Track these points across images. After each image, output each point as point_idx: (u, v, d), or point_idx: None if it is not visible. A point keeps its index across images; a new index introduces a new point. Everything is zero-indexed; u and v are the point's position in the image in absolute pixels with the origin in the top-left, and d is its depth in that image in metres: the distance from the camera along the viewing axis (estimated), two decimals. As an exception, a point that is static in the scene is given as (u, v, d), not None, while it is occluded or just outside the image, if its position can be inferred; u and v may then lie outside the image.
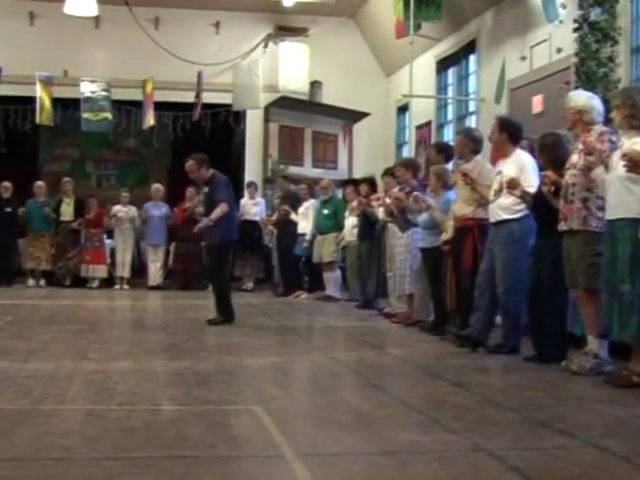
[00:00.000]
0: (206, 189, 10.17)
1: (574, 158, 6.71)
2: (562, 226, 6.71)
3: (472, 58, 15.32)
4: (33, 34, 18.09)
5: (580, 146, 6.65)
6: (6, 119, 17.73)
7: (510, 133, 7.96)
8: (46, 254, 16.31)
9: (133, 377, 6.08)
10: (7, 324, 9.71)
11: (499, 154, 8.28)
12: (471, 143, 8.62)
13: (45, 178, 18.68)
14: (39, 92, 17.22)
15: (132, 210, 16.70)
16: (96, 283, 16.38)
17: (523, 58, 12.81)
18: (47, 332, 8.89)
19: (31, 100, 17.28)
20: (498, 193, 7.70)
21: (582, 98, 6.91)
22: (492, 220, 7.87)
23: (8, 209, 16.20)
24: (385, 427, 4.71)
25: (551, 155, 7.21)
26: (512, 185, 7.30)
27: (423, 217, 9.56)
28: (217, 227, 9.83)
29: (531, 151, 8.24)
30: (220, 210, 9.80)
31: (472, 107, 15.37)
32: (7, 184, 16.47)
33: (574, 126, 6.89)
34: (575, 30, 10.86)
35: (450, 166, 10.26)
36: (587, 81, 10.49)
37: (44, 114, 17.39)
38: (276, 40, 18.69)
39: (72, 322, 10.10)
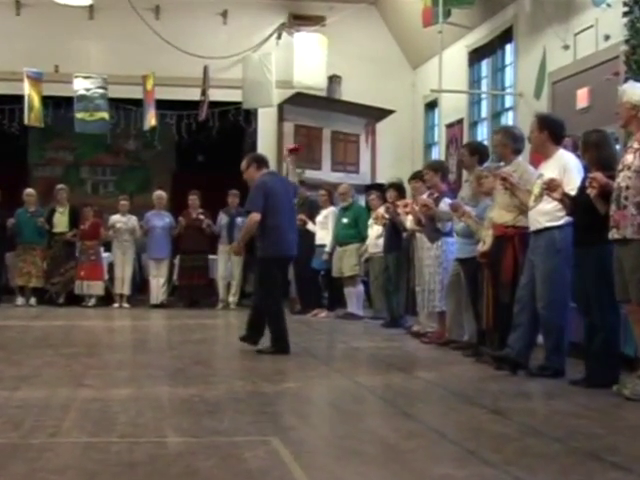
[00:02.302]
0: None
1: (628, 159, 6.68)
2: (613, 234, 6.68)
3: (508, 48, 15.28)
4: (20, 25, 18.13)
5: (636, 145, 6.63)
6: (-9, 119, 17.83)
7: (551, 132, 7.95)
8: (37, 269, 16.33)
9: (135, 406, 6.10)
10: (-6, 347, 9.76)
11: (539, 155, 8.27)
12: (512, 142, 8.59)
13: (35, 185, 18.81)
14: (27, 90, 17.26)
15: (132, 220, 16.72)
16: (92, 301, 16.41)
17: (566, 47, 12.77)
18: (39, 356, 8.92)
19: (19, 99, 17.32)
20: (539, 198, 7.68)
21: (638, 92, 6.87)
22: (532, 228, 7.86)
23: (-6, 219, 16.25)
24: (416, 460, 4.70)
25: (595, 154, 7.20)
26: (552, 187, 7.27)
27: (461, 224, 9.54)
28: (263, 239, 9.54)
29: (575, 150, 8.23)
30: (247, 225, 9.67)
31: (509, 103, 15.33)
32: (-7, 192, 16.55)
33: (628, 123, 6.87)
34: (625, 14, 10.80)
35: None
36: (639, 71, 10.45)
37: (33, 114, 17.44)
38: (290, 30, 18.71)
39: (66, 345, 10.13)
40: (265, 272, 9.62)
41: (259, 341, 9.68)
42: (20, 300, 16.38)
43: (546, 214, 7.65)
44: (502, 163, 8.99)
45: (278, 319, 9.58)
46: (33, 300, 16.37)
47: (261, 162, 9.93)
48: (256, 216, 9.37)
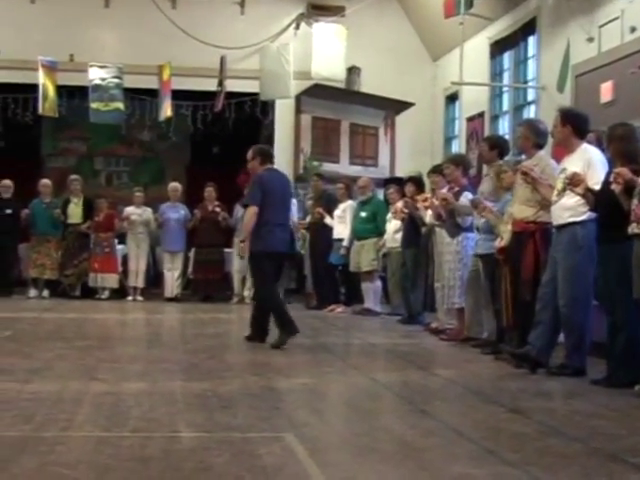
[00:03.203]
0: None
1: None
2: (633, 229, 6.66)
3: (531, 40, 15.25)
4: (35, 14, 18.21)
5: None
6: (5, 109, 17.84)
7: (574, 126, 7.91)
8: (51, 261, 16.37)
9: (148, 400, 6.11)
10: (6, 340, 9.80)
11: (562, 150, 8.24)
12: (534, 136, 8.55)
13: (49, 175, 18.89)
14: (42, 79, 17.30)
15: (146, 212, 16.75)
16: (106, 294, 16.45)
17: (590, 39, 12.74)
18: (51, 349, 8.95)
19: (33, 88, 17.37)
20: (562, 193, 7.65)
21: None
22: (555, 224, 7.84)
23: (9, 211, 16.30)
24: (433, 458, 4.69)
25: (620, 147, 7.18)
26: (575, 181, 7.25)
27: (483, 220, 9.51)
28: (256, 234, 9.73)
29: (599, 145, 8.20)
30: (246, 219, 9.87)
31: (531, 96, 15.30)
32: (8, 182, 16.61)
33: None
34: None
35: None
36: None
37: (47, 103, 17.49)
38: (309, 21, 18.69)
39: (79, 338, 10.16)
40: (256, 266, 9.96)
41: (265, 339, 9.79)
42: (33, 292, 16.42)
43: (569, 209, 7.62)
44: (523, 157, 8.96)
45: (277, 308, 9.79)
46: (46, 292, 16.41)
47: (266, 157, 10.21)
48: (253, 209, 9.67)
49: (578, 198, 7.41)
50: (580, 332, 7.67)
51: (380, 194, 15.72)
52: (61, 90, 17.76)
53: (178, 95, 17.96)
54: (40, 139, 21.58)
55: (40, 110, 17.44)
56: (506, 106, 16.37)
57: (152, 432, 5.10)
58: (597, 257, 7.43)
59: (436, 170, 11.84)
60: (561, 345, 7.99)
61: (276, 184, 9.98)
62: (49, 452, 4.56)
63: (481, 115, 16.88)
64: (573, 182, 7.26)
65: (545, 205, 8.08)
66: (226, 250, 16.66)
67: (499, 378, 7.68)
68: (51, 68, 17.47)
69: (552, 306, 7.77)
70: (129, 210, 16.77)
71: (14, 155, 19.04)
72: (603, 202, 7.11)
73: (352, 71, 18.74)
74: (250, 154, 10.22)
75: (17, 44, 17.37)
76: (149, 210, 16.81)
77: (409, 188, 12.95)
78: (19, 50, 17.29)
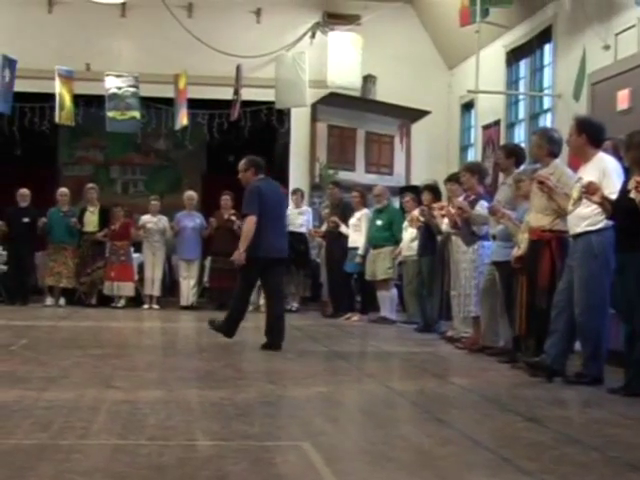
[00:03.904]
0: None
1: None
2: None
3: (547, 48, 15.22)
4: (52, 23, 18.30)
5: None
6: (22, 118, 17.88)
7: (590, 135, 7.90)
8: (68, 270, 16.40)
9: (164, 408, 6.12)
10: (22, 348, 9.80)
11: (578, 158, 8.23)
12: (548, 145, 8.55)
13: (65, 183, 18.90)
14: (58, 88, 17.39)
15: (162, 220, 16.79)
16: (122, 302, 16.49)
17: (607, 47, 12.70)
18: (67, 357, 8.97)
19: (50, 97, 17.45)
20: (577, 202, 7.63)
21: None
22: (571, 232, 7.83)
23: (26, 219, 16.38)
24: (449, 467, 4.69)
25: (638, 155, 7.15)
26: (591, 190, 7.23)
27: (500, 227, 9.51)
28: (252, 241, 10.12)
29: (615, 153, 8.18)
30: (246, 230, 10.21)
31: (547, 104, 15.27)
32: (25, 191, 16.69)
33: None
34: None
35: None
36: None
37: (64, 113, 17.57)
38: (324, 29, 18.72)
39: (95, 346, 10.19)
40: (247, 270, 10.30)
41: (281, 344, 10.04)
42: (49, 300, 16.46)
43: (585, 218, 7.61)
44: (538, 165, 8.95)
45: (239, 310, 10.45)
46: (62, 300, 16.45)
47: (259, 167, 10.55)
48: (253, 218, 10.06)
49: (594, 207, 7.39)
50: (597, 340, 7.66)
51: (396, 202, 15.73)
52: (78, 99, 17.84)
53: (194, 104, 18.01)
54: (57, 148, 21.69)
55: (57, 119, 17.52)
56: (522, 114, 16.34)
57: (168, 440, 5.11)
58: (615, 265, 7.41)
59: (452, 178, 11.84)
60: (578, 353, 7.98)
61: (271, 194, 10.38)
62: (66, 460, 4.57)
63: (497, 123, 16.85)
64: (589, 191, 7.24)
65: (561, 214, 8.07)
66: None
67: (515, 386, 7.67)
68: (68, 77, 17.56)
69: (567, 314, 7.76)
70: (145, 218, 16.81)
71: (31, 164, 19.15)
72: (621, 210, 7.09)
73: (368, 79, 18.75)
74: (243, 165, 10.56)
75: (34, 54, 17.43)
76: (165, 218, 16.84)
77: (426, 196, 12.94)
78: (36, 60, 17.35)
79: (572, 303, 7.71)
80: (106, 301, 16.43)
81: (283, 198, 11.01)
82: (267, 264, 10.23)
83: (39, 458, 4.60)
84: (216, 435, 5.28)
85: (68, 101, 17.59)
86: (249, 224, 10.10)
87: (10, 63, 17.06)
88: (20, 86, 17.25)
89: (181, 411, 6.04)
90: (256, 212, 10.06)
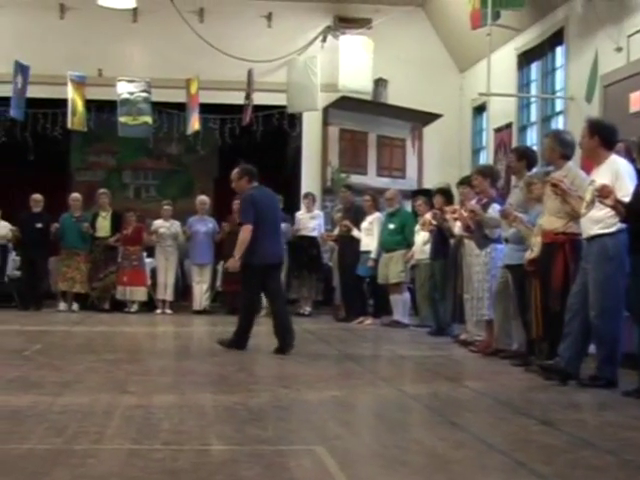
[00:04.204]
0: None
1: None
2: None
3: (559, 50, 15.21)
4: (63, 29, 18.38)
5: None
6: (34, 123, 17.97)
7: (602, 137, 7.87)
8: (81, 275, 16.45)
9: (178, 413, 6.12)
10: (36, 353, 9.83)
11: (590, 161, 8.21)
12: (560, 147, 8.54)
13: (77, 189, 18.96)
14: (71, 94, 17.46)
15: (175, 225, 16.81)
16: (135, 307, 16.52)
17: (619, 49, 12.69)
18: (81, 362, 8.98)
19: (62, 102, 17.54)
20: (590, 205, 7.61)
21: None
22: (584, 235, 7.81)
23: (39, 225, 16.43)
24: (464, 470, 4.69)
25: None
26: (604, 193, 7.21)
27: (512, 230, 9.49)
28: (249, 248, 10.28)
29: (628, 155, 8.16)
30: (241, 238, 10.36)
31: (559, 107, 15.25)
32: (38, 197, 16.74)
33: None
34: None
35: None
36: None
37: (76, 118, 17.63)
38: (336, 33, 18.73)
39: (109, 351, 10.20)
40: (248, 278, 10.47)
41: (293, 343, 10.10)
42: (62, 305, 16.52)
43: (598, 221, 7.59)
44: (551, 168, 8.93)
45: (248, 320, 10.45)
46: (75, 306, 16.50)
47: (252, 176, 10.71)
48: (249, 227, 10.25)
49: (607, 210, 7.37)
50: (611, 343, 7.63)
51: (408, 206, 15.72)
52: (90, 104, 17.92)
53: (206, 108, 18.06)
54: (69, 153, 21.74)
55: (69, 124, 17.59)
56: (534, 117, 16.32)
57: (182, 445, 5.11)
58: (629, 268, 7.40)
59: (464, 182, 11.82)
60: (592, 356, 7.96)
61: (266, 201, 10.57)
62: (80, 465, 4.58)
63: (509, 126, 16.84)
64: (602, 194, 7.22)
65: (575, 216, 8.05)
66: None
67: (529, 390, 7.65)
68: (80, 83, 17.62)
69: (581, 317, 7.73)
70: (157, 223, 16.84)
71: (43, 169, 19.22)
72: (635, 213, 7.07)
73: (379, 83, 18.77)
74: (236, 174, 10.73)
75: (46, 59, 17.50)
76: (177, 223, 16.87)
77: (437, 199, 12.93)
78: (48, 65, 17.42)
79: (586, 306, 7.68)
80: (119, 306, 16.47)
81: (277, 205, 11.17)
82: (265, 270, 10.38)
83: (54, 463, 4.60)
84: (230, 440, 5.28)
85: (80, 106, 17.65)
86: (245, 232, 10.26)
87: (23, 69, 17.14)
88: (33, 92, 17.33)
89: (195, 416, 6.05)
90: (252, 221, 10.26)
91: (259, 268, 10.30)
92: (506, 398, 7.14)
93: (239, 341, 10.29)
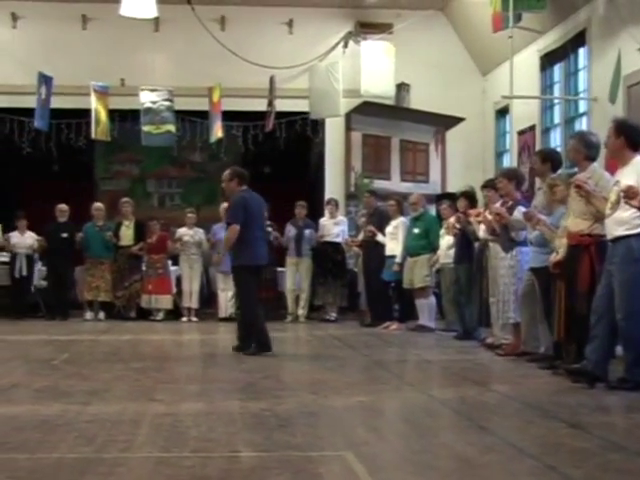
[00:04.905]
0: None
1: None
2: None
3: (582, 51, 15.17)
4: (86, 39, 18.48)
5: None
6: (59, 134, 18.09)
7: (628, 138, 7.83)
8: (105, 283, 16.53)
9: (206, 420, 6.13)
10: (64, 362, 9.88)
11: (616, 161, 8.18)
12: (584, 148, 8.50)
13: (102, 198, 19.06)
14: (94, 103, 17.54)
15: (199, 233, 16.85)
16: (160, 315, 16.56)
17: (641, 49, 12.65)
18: (108, 371, 9.03)
19: (85, 112, 17.63)
20: (615, 206, 7.58)
21: None
22: (609, 237, 7.77)
23: (64, 234, 16.53)
24: (493, 475, 4.68)
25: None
26: (630, 194, 7.18)
27: (535, 233, 9.47)
28: (238, 251, 10.67)
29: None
30: (228, 236, 10.76)
31: (583, 108, 15.20)
32: (64, 207, 16.84)
33: None
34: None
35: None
36: None
37: (100, 128, 17.70)
38: (357, 38, 18.75)
39: (136, 359, 10.24)
40: (241, 280, 10.81)
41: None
42: (89, 314, 16.59)
43: (623, 222, 7.55)
44: (576, 169, 8.90)
45: (256, 323, 10.64)
46: (102, 314, 16.57)
47: (243, 178, 11.07)
48: (236, 227, 10.56)
49: (633, 211, 7.34)
50: (639, 345, 7.59)
51: (432, 210, 15.70)
52: (113, 114, 18.00)
53: (228, 116, 18.10)
54: (93, 163, 21.82)
55: (93, 134, 17.67)
56: (557, 119, 16.28)
57: (211, 452, 5.12)
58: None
59: (489, 185, 11.80)
60: (619, 359, 7.92)
61: (255, 203, 10.94)
62: (110, 473, 4.59)
63: (532, 128, 16.80)
64: (628, 195, 7.19)
65: (600, 218, 8.01)
66: (279, 269, 16.69)
67: (557, 393, 7.61)
68: (103, 93, 17.71)
69: (607, 319, 7.69)
70: (181, 231, 16.89)
71: (68, 179, 19.30)
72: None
73: (401, 88, 18.77)
74: (228, 176, 11.10)
75: (69, 70, 17.61)
76: (201, 231, 16.90)
77: (461, 203, 12.90)
78: (71, 76, 17.52)
79: (612, 308, 7.64)
80: (145, 314, 16.52)
81: (264, 208, 11.46)
82: (256, 271, 10.85)
83: (83, 472, 4.62)
84: (259, 446, 5.28)
85: (104, 116, 17.73)
86: (232, 232, 10.59)
87: (46, 80, 17.25)
88: (56, 102, 17.43)
89: (223, 423, 6.05)
90: (240, 222, 10.56)
91: (252, 268, 10.68)
92: (534, 401, 7.11)
93: (264, 347, 10.43)
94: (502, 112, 18.73)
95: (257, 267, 10.88)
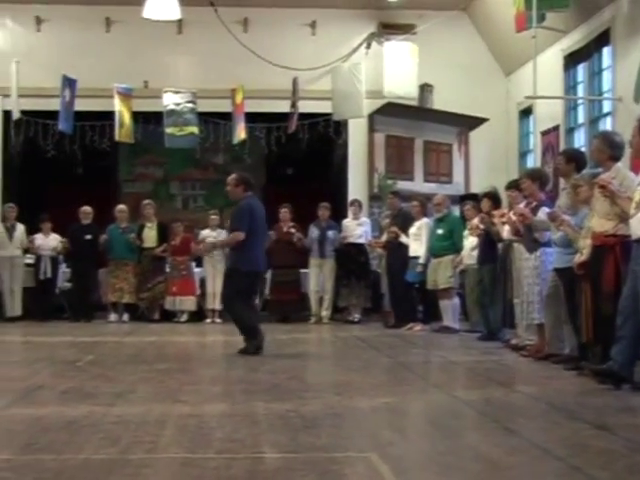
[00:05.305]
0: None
1: None
2: None
3: (606, 51, 15.10)
4: (109, 42, 18.57)
5: None
6: (82, 136, 18.15)
7: (653, 136, 7.81)
8: (129, 285, 16.59)
9: (231, 421, 6.13)
10: (89, 364, 9.91)
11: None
12: (608, 148, 8.46)
13: (125, 200, 19.09)
14: (117, 106, 17.63)
15: (222, 234, 16.80)
16: (184, 317, 16.60)
17: (667, 48, 12.60)
18: (133, 372, 9.05)
19: (109, 115, 17.70)
20: (640, 206, 7.55)
21: None
22: (634, 237, 7.72)
23: (88, 236, 16.61)
24: (519, 476, 4.66)
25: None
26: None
27: (559, 234, 9.43)
28: (239, 254, 10.83)
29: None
30: (230, 238, 11.01)
31: (607, 108, 15.13)
32: (87, 209, 16.92)
33: None
34: None
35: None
36: None
37: (123, 130, 17.78)
38: (380, 39, 18.76)
39: (160, 361, 10.26)
40: (235, 282, 10.83)
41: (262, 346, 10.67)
42: (113, 316, 16.64)
43: (648, 222, 7.51)
44: (600, 170, 8.86)
45: (245, 317, 10.89)
46: (126, 316, 16.63)
47: (249, 185, 11.20)
48: (241, 235, 10.70)
49: (658, 210, 7.31)
50: (665, 346, 7.56)
51: (456, 211, 15.67)
52: (136, 116, 18.06)
53: (251, 117, 18.14)
54: (117, 165, 21.90)
55: (116, 137, 17.76)
56: (581, 119, 16.21)
57: (236, 453, 5.12)
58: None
59: (513, 185, 11.76)
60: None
61: (260, 212, 11.10)
62: (136, 474, 4.61)
63: (556, 129, 16.74)
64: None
65: (625, 218, 7.96)
66: (302, 271, 16.71)
67: (583, 394, 7.58)
68: (126, 95, 17.78)
69: (633, 320, 7.64)
70: (205, 233, 16.92)
71: (92, 181, 19.37)
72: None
73: (424, 88, 18.74)
74: (234, 181, 11.10)
75: (93, 73, 17.69)
76: (224, 232, 16.88)
77: (485, 204, 12.87)
78: (95, 78, 17.60)
79: (638, 308, 7.60)
80: (169, 316, 16.56)
81: (264, 215, 11.48)
82: (254, 276, 11.12)
83: (109, 473, 4.64)
84: (283, 447, 5.28)
85: (127, 118, 17.81)
86: (236, 237, 10.73)
87: (70, 83, 17.34)
88: (80, 105, 17.52)
89: (247, 424, 6.06)
90: (245, 229, 10.69)
91: (250, 274, 10.87)
92: (560, 403, 7.08)
93: (258, 345, 10.65)
94: (526, 112, 18.67)
95: (255, 273, 11.12)
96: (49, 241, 16.81)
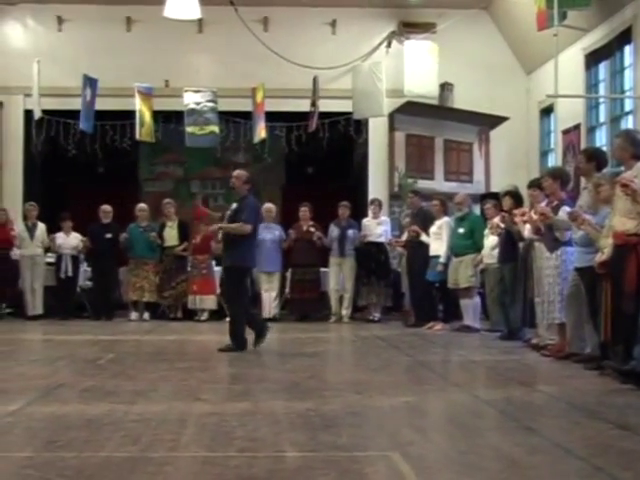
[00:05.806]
0: (234, 205, 11.46)
1: None
2: None
3: (627, 49, 15.05)
4: (130, 41, 18.65)
5: None
6: (103, 135, 18.22)
7: (675, 135, 7.78)
8: (150, 284, 16.61)
9: (252, 420, 6.13)
10: (109, 362, 9.94)
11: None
12: (632, 147, 8.42)
13: (146, 199, 19.14)
14: (138, 105, 17.67)
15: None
16: (205, 316, 16.62)
17: (688, 47, 12.53)
18: (154, 370, 9.08)
19: (130, 114, 17.75)
20: (662, 204, 7.52)
21: None
22: (656, 236, 7.70)
23: (109, 235, 16.65)
24: (541, 476, 4.65)
25: None
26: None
27: (580, 233, 9.40)
28: (238, 250, 11.05)
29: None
30: (240, 227, 11.03)
31: (629, 106, 15.09)
32: (107, 208, 16.94)
33: None
34: None
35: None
36: None
37: (144, 129, 17.82)
38: (400, 38, 18.75)
39: (180, 359, 10.29)
40: (238, 280, 11.16)
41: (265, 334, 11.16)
42: (134, 315, 16.68)
43: (670, 221, 7.48)
44: (622, 168, 8.82)
45: (239, 321, 11.09)
46: (146, 315, 16.66)
47: (254, 184, 11.99)
48: (249, 227, 11.03)
49: (680, 210, 7.27)
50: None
51: (476, 210, 15.63)
52: (157, 115, 18.12)
53: (272, 116, 18.15)
54: (137, 164, 21.94)
55: (137, 136, 17.81)
56: (603, 117, 16.16)
57: (257, 452, 5.12)
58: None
59: (534, 184, 11.73)
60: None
61: (259, 209, 11.84)
62: (157, 472, 4.61)
63: (577, 127, 16.69)
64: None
65: (647, 217, 7.94)
66: (322, 269, 16.70)
67: (604, 394, 7.55)
68: (147, 94, 17.84)
69: (656, 319, 7.63)
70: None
71: (113, 180, 19.43)
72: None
73: (445, 87, 18.72)
74: (245, 177, 11.50)
75: (114, 72, 17.76)
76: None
77: (506, 202, 12.83)
78: (116, 78, 17.67)
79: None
80: (189, 315, 16.58)
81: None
82: (247, 273, 11.60)
83: (130, 471, 4.65)
84: (304, 446, 5.28)
85: (148, 117, 17.86)
86: (245, 228, 10.98)
87: (91, 82, 17.40)
88: (101, 104, 17.60)
89: (268, 423, 6.06)
90: (253, 224, 11.14)
91: (246, 270, 11.43)
92: (581, 402, 7.06)
93: (240, 344, 10.91)
94: (547, 111, 18.62)
95: (249, 269, 11.73)
96: (70, 240, 16.86)
